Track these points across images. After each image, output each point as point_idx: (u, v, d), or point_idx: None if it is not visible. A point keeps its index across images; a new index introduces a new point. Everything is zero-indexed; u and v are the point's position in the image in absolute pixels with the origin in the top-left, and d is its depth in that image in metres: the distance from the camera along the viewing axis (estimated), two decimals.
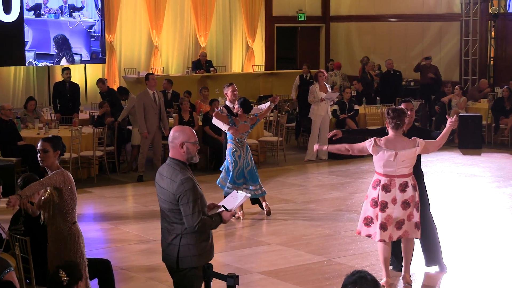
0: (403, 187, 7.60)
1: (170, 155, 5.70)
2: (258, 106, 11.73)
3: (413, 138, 7.66)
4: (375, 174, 7.73)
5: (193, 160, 5.70)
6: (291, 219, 11.04)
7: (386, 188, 7.61)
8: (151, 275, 8.40)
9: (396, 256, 8.33)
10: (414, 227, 7.73)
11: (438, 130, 17.76)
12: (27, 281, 6.79)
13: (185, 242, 5.59)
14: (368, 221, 7.76)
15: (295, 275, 8.53)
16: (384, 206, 7.62)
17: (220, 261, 8.91)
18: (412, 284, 8.03)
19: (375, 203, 7.68)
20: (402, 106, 8.06)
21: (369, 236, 7.85)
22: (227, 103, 11.43)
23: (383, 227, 7.64)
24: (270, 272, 8.60)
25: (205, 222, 5.55)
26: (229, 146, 10.81)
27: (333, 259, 9.08)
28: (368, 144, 7.59)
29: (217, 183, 10.99)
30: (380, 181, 7.64)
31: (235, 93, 11.39)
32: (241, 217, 10.99)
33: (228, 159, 10.80)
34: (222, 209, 5.72)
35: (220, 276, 5.49)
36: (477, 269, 8.71)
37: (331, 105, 16.07)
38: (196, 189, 5.55)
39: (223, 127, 10.82)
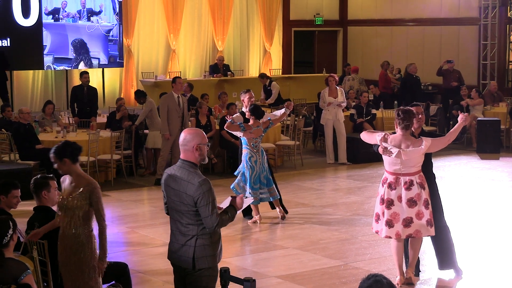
0: (408, 185, 7.74)
1: (182, 157, 5.75)
2: (274, 112, 11.74)
3: (419, 138, 7.78)
4: (384, 172, 7.96)
5: (204, 162, 5.80)
6: (308, 223, 11.03)
7: (391, 186, 7.80)
8: (168, 278, 8.38)
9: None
10: (426, 225, 7.79)
11: None
12: (45, 284, 6.82)
13: (201, 243, 5.66)
14: (377, 218, 7.98)
15: (312, 279, 8.51)
16: (389, 204, 7.79)
17: (237, 265, 8.91)
18: (415, 283, 8.06)
19: (382, 200, 7.88)
20: (413, 109, 8.07)
21: (377, 232, 8.06)
22: (244, 109, 11.43)
23: (388, 224, 7.81)
24: (287, 276, 8.59)
25: (222, 220, 5.65)
26: (245, 151, 10.83)
27: (350, 263, 9.05)
28: (378, 137, 7.79)
29: (231, 187, 10.99)
30: (387, 179, 7.85)
31: (252, 99, 11.40)
32: (258, 221, 11.00)
33: (245, 165, 10.81)
34: (229, 199, 5.77)
35: (237, 280, 5.49)
36: (495, 274, 8.66)
37: (347, 109, 16.04)
38: (212, 190, 5.63)
39: (239, 134, 10.88)
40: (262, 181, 10.84)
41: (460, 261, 8.47)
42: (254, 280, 5.40)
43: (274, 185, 11.00)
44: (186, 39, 23.17)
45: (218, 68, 21.86)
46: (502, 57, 21.45)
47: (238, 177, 10.91)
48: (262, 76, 19.75)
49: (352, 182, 14.01)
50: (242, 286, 5.43)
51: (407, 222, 7.75)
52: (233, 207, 5.75)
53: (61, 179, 6.70)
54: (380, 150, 7.73)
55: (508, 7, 21.15)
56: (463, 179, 14.04)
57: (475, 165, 15.47)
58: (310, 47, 26.00)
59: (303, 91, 21.79)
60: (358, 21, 25.18)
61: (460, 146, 16.82)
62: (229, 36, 23.87)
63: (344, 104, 15.66)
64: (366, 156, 15.51)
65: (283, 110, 11.38)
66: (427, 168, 7.97)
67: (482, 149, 16.68)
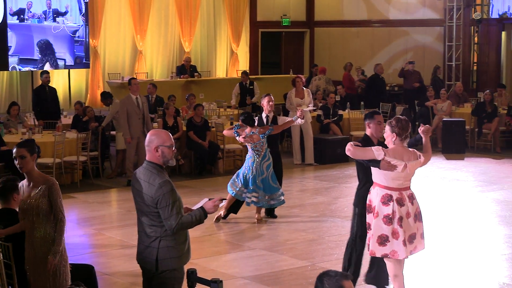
0: (412, 200, 7.25)
1: (146, 158, 5.73)
2: (285, 118, 11.73)
3: (412, 150, 7.29)
4: (381, 189, 7.19)
5: (170, 164, 5.74)
6: (274, 224, 11.05)
7: (400, 202, 7.14)
8: (135, 280, 8.36)
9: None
10: (420, 238, 7.36)
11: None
12: (9, 287, 6.76)
13: (164, 245, 5.63)
14: (382, 240, 7.18)
15: (279, 280, 8.53)
16: (401, 221, 7.16)
17: (204, 266, 8.90)
18: None
19: (389, 220, 7.13)
20: (376, 117, 7.64)
21: (385, 256, 7.24)
22: (263, 114, 11.40)
23: (405, 243, 7.17)
24: (254, 277, 8.60)
25: (183, 222, 5.55)
26: (248, 152, 10.94)
27: (317, 263, 9.09)
28: (377, 153, 7.09)
29: (228, 185, 11.03)
30: (391, 195, 7.14)
31: (270, 103, 11.40)
32: (221, 213, 11.00)
33: (245, 165, 10.94)
34: (205, 200, 5.70)
35: (204, 281, 5.48)
36: (459, 273, 8.75)
37: (314, 110, 16.08)
38: (174, 191, 5.58)
39: (237, 138, 10.99)
40: (258, 184, 10.84)
41: (428, 261, 8.53)
42: (221, 281, 5.39)
43: (274, 193, 10.92)
44: (153, 40, 23.10)
45: (185, 69, 21.81)
46: (467, 58, 21.68)
47: (235, 175, 11.01)
48: (246, 73, 19.72)
49: (319, 183, 14.06)
50: (209, 287, 5.43)
51: (411, 238, 7.24)
52: (203, 209, 5.66)
53: (19, 184, 6.68)
54: (385, 165, 7.07)
55: (473, 9, 21.38)
56: (428, 179, 14.14)
57: (440, 165, 15.60)
58: (277, 48, 26.05)
59: (270, 92, 21.46)
60: (324, 22, 25.28)
61: None
62: (196, 37, 23.85)
63: (311, 107, 15.58)
64: (333, 157, 15.62)
65: (292, 118, 11.32)
66: None
67: (447, 149, 16.84)
